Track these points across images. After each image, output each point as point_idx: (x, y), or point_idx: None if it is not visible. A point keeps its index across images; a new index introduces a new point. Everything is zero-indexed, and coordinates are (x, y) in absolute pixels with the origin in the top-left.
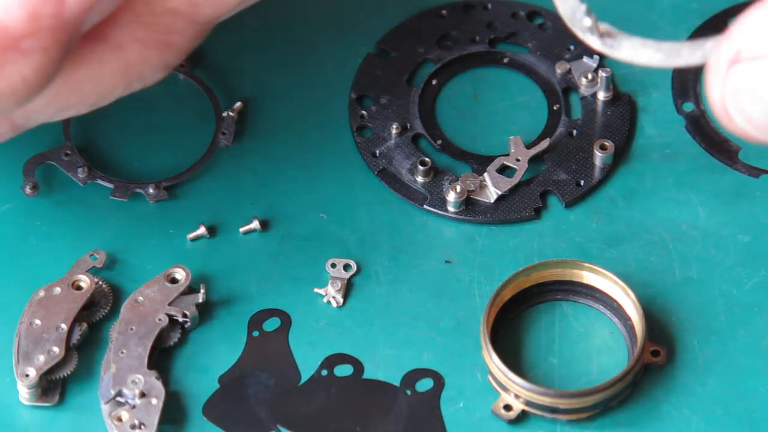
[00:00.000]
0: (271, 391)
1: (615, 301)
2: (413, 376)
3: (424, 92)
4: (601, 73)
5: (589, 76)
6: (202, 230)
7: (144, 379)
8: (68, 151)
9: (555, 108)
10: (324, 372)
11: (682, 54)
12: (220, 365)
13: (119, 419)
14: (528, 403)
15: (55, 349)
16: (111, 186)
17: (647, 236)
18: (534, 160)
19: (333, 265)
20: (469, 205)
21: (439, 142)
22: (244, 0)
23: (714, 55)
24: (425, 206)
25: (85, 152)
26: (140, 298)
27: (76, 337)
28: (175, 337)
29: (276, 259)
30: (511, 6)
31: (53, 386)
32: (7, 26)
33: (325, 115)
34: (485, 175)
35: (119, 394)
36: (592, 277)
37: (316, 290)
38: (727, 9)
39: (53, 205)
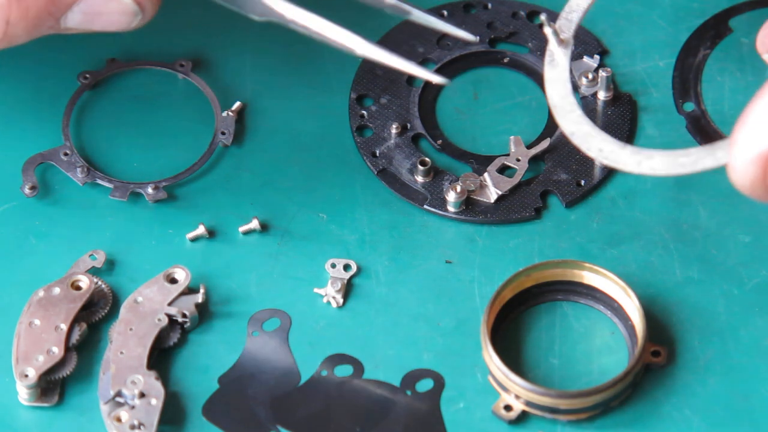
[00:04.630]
0: (271, 391)
1: (615, 301)
2: (413, 376)
3: (424, 92)
4: (602, 73)
5: (590, 75)
6: (201, 230)
7: (143, 379)
8: (67, 151)
9: None
10: (324, 372)
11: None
12: (220, 365)
13: (119, 419)
14: (528, 403)
15: (55, 350)
16: (110, 186)
17: (648, 236)
18: (534, 160)
19: (333, 266)
20: (469, 205)
21: (439, 142)
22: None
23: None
24: (425, 206)
25: (84, 152)
26: (140, 299)
27: (75, 337)
28: (174, 337)
29: (276, 259)
30: (511, 6)
31: (52, 386)
32: None
33: (325, 115)
34: (485, 175)
35: (119, 394)
36: (593, 277)
37: (316, 290)
38: (727, 9)
39: (52, 205)
